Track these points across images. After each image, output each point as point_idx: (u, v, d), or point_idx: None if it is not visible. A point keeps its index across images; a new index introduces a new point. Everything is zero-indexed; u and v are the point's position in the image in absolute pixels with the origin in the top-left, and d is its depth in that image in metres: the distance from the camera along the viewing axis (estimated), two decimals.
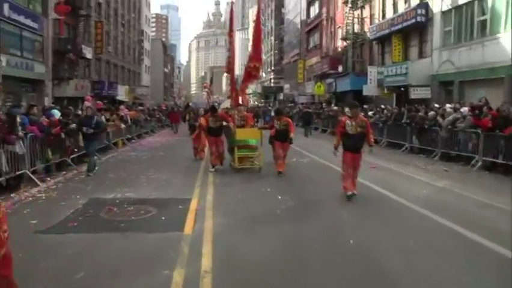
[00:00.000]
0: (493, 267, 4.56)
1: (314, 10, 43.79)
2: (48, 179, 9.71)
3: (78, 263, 4.60)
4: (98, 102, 20.17)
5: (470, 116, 12.53)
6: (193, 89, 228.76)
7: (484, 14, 17.88)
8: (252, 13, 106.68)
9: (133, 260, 4.68)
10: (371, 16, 29.51)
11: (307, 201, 7.52)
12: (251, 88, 76.21)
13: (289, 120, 10.69)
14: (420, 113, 15.58)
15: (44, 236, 5.53)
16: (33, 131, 9.56)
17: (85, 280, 4.18)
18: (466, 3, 18.82)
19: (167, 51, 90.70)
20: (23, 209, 6.97)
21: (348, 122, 7.69)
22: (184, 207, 6.95)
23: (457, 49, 19.43)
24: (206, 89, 33.47)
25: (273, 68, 69.30)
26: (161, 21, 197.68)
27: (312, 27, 43.94)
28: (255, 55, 10.86)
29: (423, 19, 21.64)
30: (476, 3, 18.20)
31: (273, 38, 70.51)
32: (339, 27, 34.87)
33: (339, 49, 34.99)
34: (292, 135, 10.17)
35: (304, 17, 48.01)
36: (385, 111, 19.57)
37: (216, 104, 16.01)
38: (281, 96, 58.13)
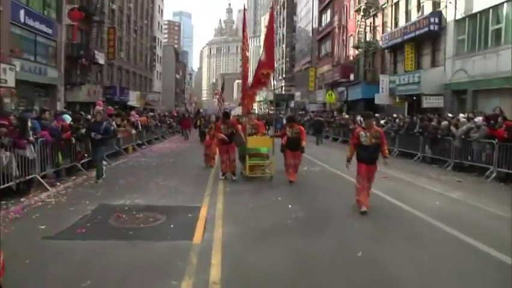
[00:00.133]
0: (507, 281, 4.43)
1: (326, 18, 43.80)
2: (58, 183, 9.72)
3: (86, 270, 4.55)
4: (109, 107, 20.28)
5: (484, 126, 12.32)
6: (204, 96, 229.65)
7: (498, 22, 17.67)
8: (264, 20, 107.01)
9: (141, 269, 4.60)
10: (383, 24, 29.40)
11: (318, 211, 7.41)
12: (262, 95, 76.25)
13: (302, 128, 10.51)
14: (433, 123, 15.37)
15: (52, 242, 5.49)
16: (44, 136, 9.57)
17: None
18: (480, 12, 18.62)
19: (179, 58, 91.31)
20: (32, 213, 6.95)
21: (362, 133, 7.48)
22: (193, 215, 6.87)
23: (470, 58, 19.21)
24: (217, 96, 33.51)
25: (284, 75, 69.35)
26: (174, 28, 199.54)
27: (323, 35, 43.92)
28: (268, 62, 10.64)
29: (436, 28, 21.46)
30: (490, 11, 17.99)
31: (284, 45, 70.64)
32: (351, 35, 34.79)
33: (351, 57, 34.88)
34: (304, 143, 10.02)
35: (316, 25, 48.04)
36: (397, 120, 19.37)
37: (228, 110, 15.98)
38: (292, 104, 58.07)
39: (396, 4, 27.11)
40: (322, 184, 10.35)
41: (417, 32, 22.75)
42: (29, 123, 9.04)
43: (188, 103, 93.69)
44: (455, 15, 20.34)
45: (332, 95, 34.77)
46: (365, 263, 4.91)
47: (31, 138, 8.81)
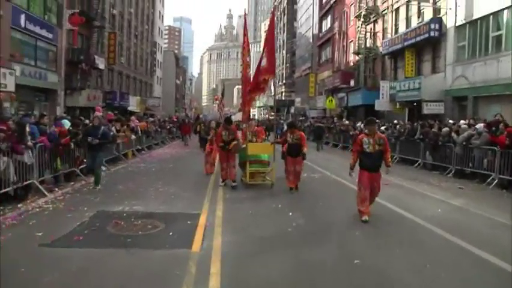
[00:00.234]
0: None
1: (326, 24, 43.88)
2: (56, 189, 9.64)
3: (82, 279, 4.47)
4: (109, 113, 20.21)
5: (486, 133, 12.26)
6: (204, 101, 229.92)
7: (499, 29, 17.67)
8: (264, 26, 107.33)
9: (138, 278, 4.52)
10: (384, 30, 29.43)
11: (318, 219, 7.33)
12: (262, 101, 76.18)
13: (302, 134, 10.32)
14: (433, 129, 15.32)
15: (48, 250, 5.40)
16: (42, 141, 9.50)
17: None
18: (480, 18, 18.62)
19: (180, 63, 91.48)
20: (29, 220, 6.85)
21: (365, 139, 7.23)
22: (192, 222, 6.77)
23: (471, 64, 19.20)
24: (217, 101, 33.51)
25: (284, 81, 69.41)
26: (174, 34, 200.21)
27: (324, 41, 43.99)
28: (269, 67, 10.47)
29: (436, 34, 21.47)
30: (491, 18, 17.99)
31: (284, 51, 70.75)
32: (352, 41, 34.84)
33: (351, 63, 34.90)
34: (305, 150, 9.84)
35: (316, 31, 48.13)
36: (398, 126, 19.32)
37: (229, 115, 15.88)
38: (292, 110, 58.07)
39: (397, 10, 27.15)
40: (323, 191, 10.26)
41: (418, 38, 22.76)
42: (27, 128, 8.96)
43: (189, 108, 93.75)
44: (455, 21, 20.35)
45: (332, 101, 34.75)
46: (367, 270, 4.84)
47: (29, 143, 8.73)
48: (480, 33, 18.76)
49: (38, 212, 7.44)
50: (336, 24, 39.39)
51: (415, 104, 22.74)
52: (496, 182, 11.26)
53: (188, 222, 6.80)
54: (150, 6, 55.55)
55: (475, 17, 18.88)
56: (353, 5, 34.54)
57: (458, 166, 13.14)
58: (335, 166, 15.23)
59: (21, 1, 21.55)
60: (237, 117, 21.13)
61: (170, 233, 6.17)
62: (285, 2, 70.75)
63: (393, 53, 26.81)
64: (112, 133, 14.55)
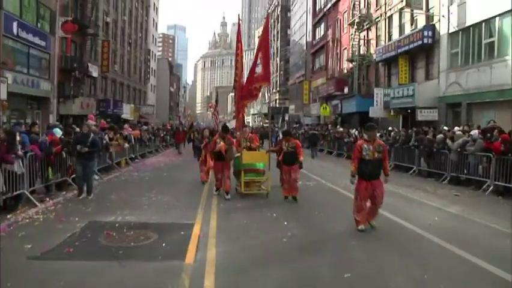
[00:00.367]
0: None
1: (320, 32, 44.06)
2: (48, 199, 9.46)
3: None
4: (102, 121, 20.04)
5: (480, 140, 12.25)
6: (199, 109, 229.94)
7: (491, 36, 17.76)
8: (258, 33, 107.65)
9: None
10: (377, 38, 29.56)
11: (314, 228, 7.21)
12: (256, 108, 76.04)
13: (298, 142, 10.09)
14: (428, 136, 15.31)
15: (37, 263, 5.23)
16: (33, 150, 9.34)
17: None
18: (472, 25, 18.71)
19: (174, 71, 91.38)
20: (19, 231, 6.68)
21: (365, 145, 6.94)
22: (186, 233, 6.63)
23: (464, 71, 19.27)
24: (211, 109, 33.42)
25: (278, 88, 69.52)
26: (168, 41, 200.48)
27: (317, 48, 44.13)
28: (264, 74, 10.29)
29: (430, 41, 21.57)
30: (483, 25, 18.09)
31: (278, 59, 70.96)
32: (345, 48, 34.98)
33: (345, 71, 34.98)
34: (301, 158, 9.60)
35: (310, 39, 48.32)
36: (392, 133, 19.31)
37: (225, 123, 15.67)
38: (286, 117, 58.09)
39: (390, 18, 27.29)
40: (318, 199, 10.14)
41: (411, 46, 22.85)
42: (18, 137, 8.79)
43: (183, 116, 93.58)
44: (448, 28, 20.45)
45: (326, 108, 34.79)
46: (364, 281, 4.75)
47: (19, 152, 8.56)
48: (473, 40, 18.85)
49: (28, 223, 7.27)
50: (330, 31, 39.54)
51: (409, 110, 22.77)
52: (491, 188, 11.24)
53: (182, 232, 6.66)
54: (144, 14, 55.55)
55: (467, 24, 18.98)
56: (346, 13, 34.70)
57: (453, 173, 13.12)
58: (330, 174, 15.14)
59: (13, 8, 21.40)
60: (232, 124, 20.97)
61: (163, 244, 6.02)
62: (279, 9, 71.13)
63: (386, 60, 26.90)
64: (104, 141, 14.45)
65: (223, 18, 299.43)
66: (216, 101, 27.66)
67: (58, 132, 11.24)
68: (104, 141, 14.52)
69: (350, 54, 32.50)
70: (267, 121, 61.80)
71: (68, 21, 26.24)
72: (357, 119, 30.13)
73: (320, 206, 9.24)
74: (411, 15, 24.19)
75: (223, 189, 10.19)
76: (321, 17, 43.16)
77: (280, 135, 14.96)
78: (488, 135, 12.35)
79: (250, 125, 58.42)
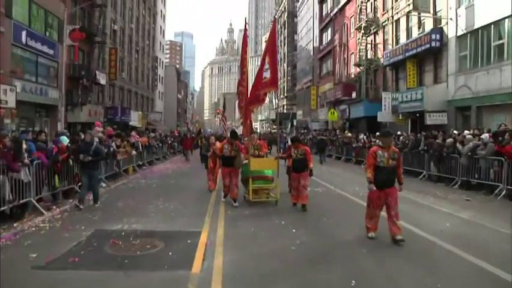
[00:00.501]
0: None
1: (327, 37, 43.99)
2: (55, 207, 9.43)
3: None
4: (108, 128, 20.06)
5: (491, 143, 12.04)
6: (206, 115, 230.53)
7: (500, 38, 17.54)
8: (264, 39, 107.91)
9: None
10: (384, 42, 29.39)
11: (323, 236, 7.08)
12: (264, 114, 75.98)
13: (307, 149, 9.85)
14: (438, 140, 15.10)
15: (41, 273, 5.15)
16: (40, 157, 9.32)
17: None
18: (481, 28, 18.52)
19: (181, 78, 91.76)
20: (25, 240, 6.62)
21: (379, 152, 6.65)
22: (192, 241, 6.53)
23: (473, 74, 19.06)
24: (219, 115, 33.42)
25: (285, 94, 69.48)
26: (176, 48, 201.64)
27: (325, 53, 44.05)
28: (273, 80, 10.14)
29: (437, 44, 21.40)
30: (492, 27, 17.89)
31: (285, 64, 70.98)
32: (352, 53, 34.84)
33: (353, 75, 34.84)
34: (311, 165, 9.40)
35: (317, 44, 48.25)
36: (401, 137, 19.11)
37: (234, 129, 15.51)
38: (294, 123, 57.98)
39: (397, 21, 27.14)
40: (327, 206, 9.98)
41: (419, 49, 22.68)
42: (24, 145, 8.78)
43: (191, 123, 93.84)
44: (456, 31, 20.26)
45: (334, 113, 34.64)
46: None
47: (26, 160, 8.54)
48: (482, 43, 18.65)
49: (34, 232, 7.22)
50: (337, 36, 39.47)
51: (418, 115, 22.56)
52: (504, 193, 11.03)
53: (189, 241, 6.56)
54: (151, 22, 55.89)
55: (476, 26, 18.78)
56: (353, 17, 34.61)
57: (464, 177, 12.92)
58: (339, 180, 14.99)
59: (22, 18, 21.60)
60: (241, 130, 20.81)
61: (170, 253, 5.93)
62: (285, 15, 71.26)
63: (394, 64, 26.72)
64: (112, 149, 14.44)
65: (230, 24, 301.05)
66: (224, 107, 27.59)
67: (65, 140, 11.22)
68: (112, 149, 14.52)
69: (357, 59, 32.35)
70: (274, 127, 61.77)
71: (76, 30, 26.40)
72: (365, 124, 29.95)
73: (328, 212, 9.09)
74: (419, 18, 24.01)
75: (231, 197, 10.05)
76: (327, 22, 43.10)
77: (289, 141, 14.80)
78: (500, 138, 12.13)
79: (258, 131, 58.34)
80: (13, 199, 8.09)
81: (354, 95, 33.37)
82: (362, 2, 31.79)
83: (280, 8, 77.49)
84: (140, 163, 19.33)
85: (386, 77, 29.47)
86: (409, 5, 23.80)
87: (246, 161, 10.09)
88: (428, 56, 23.01)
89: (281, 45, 71.42)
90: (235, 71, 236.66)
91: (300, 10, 61.05)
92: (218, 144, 10.11)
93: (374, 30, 30.38)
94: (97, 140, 11.14)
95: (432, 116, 20.95)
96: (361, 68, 31.80)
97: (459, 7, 20.08)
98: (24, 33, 21.38)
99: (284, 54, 71.21)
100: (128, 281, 4.91)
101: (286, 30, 71.05)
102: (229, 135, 10.85)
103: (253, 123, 14.62)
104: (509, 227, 7.61)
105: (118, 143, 15.85)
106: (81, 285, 4.76)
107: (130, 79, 45.03)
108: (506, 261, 5.49)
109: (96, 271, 5.23)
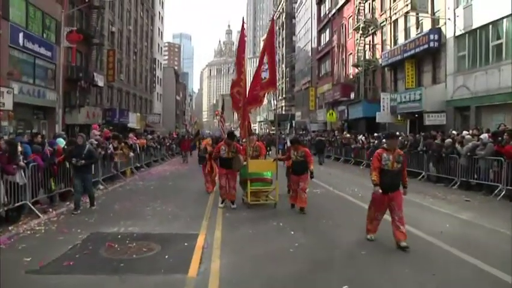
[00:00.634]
0: None
1: (325, 38, 43.98)
2: (51, 210, 9.33)
3: None
4: (105, 130, 19.96)
5: (491, 143, 11.99)
6: (205, 117, 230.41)
7: (499, 38, 17.50)
8: (262, 40, 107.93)
9: None
10: (383, 42, 29.36)
11: (322, 237, 7.00)
12: (262, 116, 75.92)
13: (307, 150, 9.69)
14: (436, 140, 15.05)
15: (35, 277, 5.07)
16: (35, 159, 9.22)
17: None
18: (479, 28, 18.48)
19: (180, 79, 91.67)
20: (19, 244, 6.54)
21: (385, 155, 6.45)
22: (189, 244, 6.44)
23: (472, 74, 19.01)
24: (218, 117, 33.33)
25: (284, 95, 69.46)
26: (174, 50, 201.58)
27: (323, 54, 44.04)
28: (271, 80, 10.02)
29: (436, 44, 21.36)
30: (490, 27, 17.85)
31: (284, 65, 70.99)
32: (351, 54, 34.81)
33: (351, 76, 34.81)
34: (312, 168, 9.26)
35: (315, 45, 48.24)
36: (400, 138, 19.02)
37: (232, 130, 15.34)
38: (293, 124, 57.94)
39: (395, 22, 27.11)
40: (326, 207, 9.90)
41: (417, 49, 22.64)
42: (20, 148, 8.69)
43: (189, 124, 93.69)
44: (454, 31, 20.22)
45: (332, 114, 34.59)
46: None
47: (21, 163, 8.45)
48: (480, 43, 18.61)
49: (29, 235, 7.13)
50: (335, 37, 39.46)
51: (416, 115, 22.52)
52: (503, 193, 10.97)
53: (185, 243, 6.47)
54: (149, 23, 55.87)
55: (474, 26, 18.74)
56: (351, 18, 34.59)
57: (463, 178, 12.86)
58: (338, 181, 14.92)
59: (20, 20, 21.53)
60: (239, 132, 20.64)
61: (166, 256, 5.84)
62: (283, 16, 71.27)
63: (392, 64, 26.68)
64: (109, 151, 14.35)
65: (228, 26, 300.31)
66: (222, 109, 27.54)
67: (61, 142, 11.13)
68: (109, 151, 14.43)
69: (356, 60, 32.31)
70: (273, 128, 61.71)
71: (73, 31, 26.34)
72: (364, 125, 29.91)
73: (327, 213, 9.02)
74: (417, 19, 24.00)
75: (228, 200, 9.91)
76: (326, 23, 43.09)
77: (288, 143, 14.68)
78: (499, 138, 12.07)
79: (257, 132, 58.28)
80: (8, 202, 8.01)
81: (352, 95, 33.34)
82: (360, 3, 31.78)
83: (278, 9, 77.51)
84: (138, 165, 19.24)
85: (384, 77, 29.43)
86: (407, 5, 23.75)
87: (245, 163, 9.95)
88: (426, 56, 22.98)
89: (279, 47, 71.43)
90: (234, 72, 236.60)
91: (298, 11, 61.08)
92: (209, 146, 9.94)
93: (372, 31, 30.35)
94: (92, 143, 11.00)
95: (431, 117, 20.89)
96: (359, 68, 31.77)
97: (457, 7, 20.05)
98: (21, 35, 21.32)
99: (282, 55, 71.21)
100: (123, 285, 4.82)
101: (284, 31, 71.06)
102: (226, 136, 10.71)
103: (252, 125, 14.53)
104: (509, 227, 7.55)
105: (115, 144, 15.73)
106: None
107: (128, 81, 44.96)
108: (506, 262, 5.43)
109: (91, 275, 5.15)
